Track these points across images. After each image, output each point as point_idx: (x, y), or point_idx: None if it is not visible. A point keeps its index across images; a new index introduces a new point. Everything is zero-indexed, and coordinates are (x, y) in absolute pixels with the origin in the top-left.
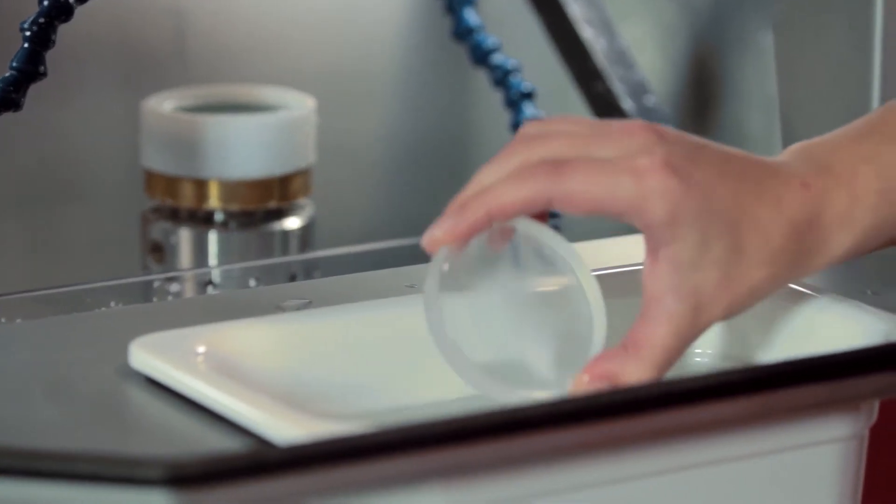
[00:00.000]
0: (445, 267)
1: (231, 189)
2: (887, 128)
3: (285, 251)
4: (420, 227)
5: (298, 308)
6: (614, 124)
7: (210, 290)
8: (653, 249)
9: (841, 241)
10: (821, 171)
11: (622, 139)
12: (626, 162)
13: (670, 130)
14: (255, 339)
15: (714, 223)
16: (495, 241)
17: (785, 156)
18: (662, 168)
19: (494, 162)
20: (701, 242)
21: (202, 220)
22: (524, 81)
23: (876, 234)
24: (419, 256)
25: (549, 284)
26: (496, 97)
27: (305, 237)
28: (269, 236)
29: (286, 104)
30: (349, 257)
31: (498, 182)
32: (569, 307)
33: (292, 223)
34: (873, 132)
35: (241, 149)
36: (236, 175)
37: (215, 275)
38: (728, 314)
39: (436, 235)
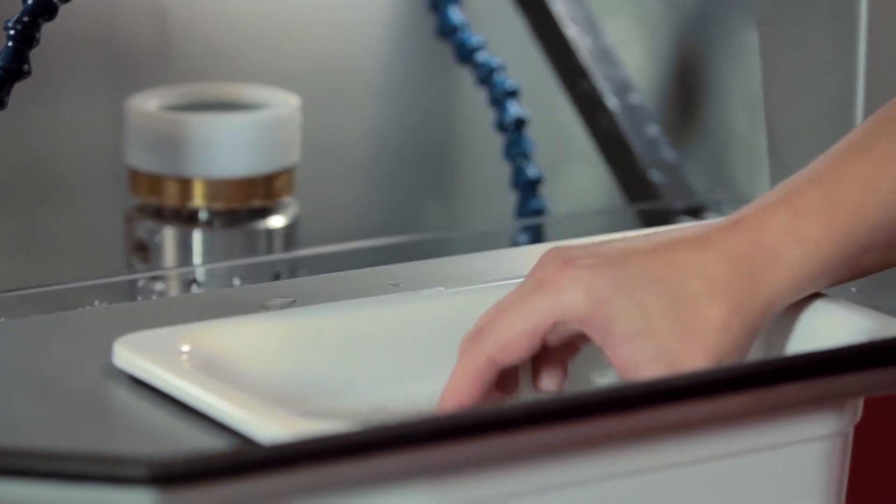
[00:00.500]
0: None
1: (215, 188)
2: (830, 152)
3: (270, 250)
4: (404, 226)
5: (283, 307)
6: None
7: (194, 288)
8: (605, 340)
9: (794, 254)
10: (755, 204)
11: (531, 275)
12: (536, 285)
13: (573, 244)
14: (239, 337)
15: (639, 286)
16: None
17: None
18: (563, 267)
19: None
20: (638, 309)
21: (186, 218)
22: (508, 79)
23: (834, 251)
24: (403, 255)
25: None
26: (480, 95)
27: (290, 236)
28: (254, 235)
29: (270, 103)
30: (333, 256)
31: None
32: None
33: (277, 222)
34: (817, 161)
35: (226, 147)
36: (221, 173)
37: (199, 273)
38: (712, 359)
39: None
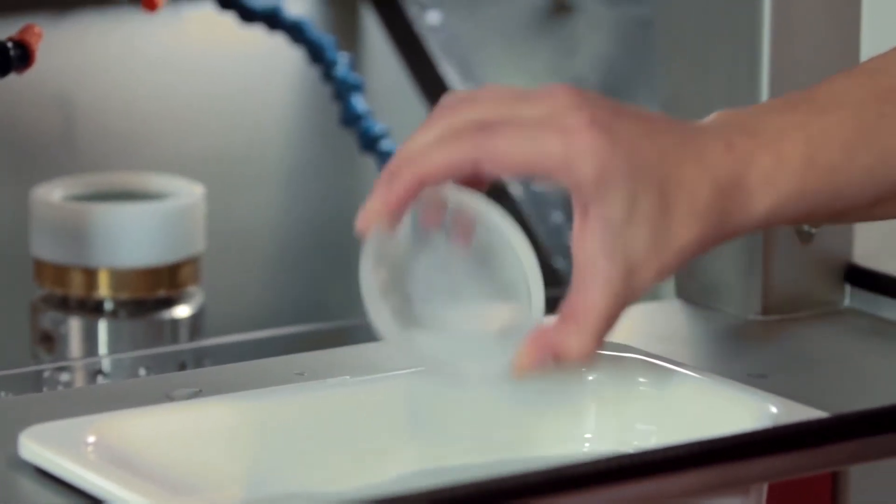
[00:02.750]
0: (377, 246)
1: (120, 278)
2: (816, 101)
3: (175, 340)
4: (310, 314)
5: (188, 397)
6: (536, 89)
7: (100, 379)
8: (582, 211)
9: (763, 202)
10: (746, 134)
11: (546, 100)
12: (554, 121)
13: (591, 92)
14: (145, 428)
15: (641, 180)
16: (428, 217)
17: (709, 120)
18: (589, 126)
19: (420, 130)
20: (630, 200)
21: (92, 309)
22: None
23: (798, 200)
24: (309, 343)
25: (483, 253)
26: None
27: (195, 325)
28: (159, 325)
29: (175, 192)
30: (239, 345)
31: (425, 147)
32: (505, 274)
33: (182, 311)
34: (801, 103)
35: (131, 237)
36: (126, 264)
37: (105, 364)
38: (659, 276)
39: (370, 209)
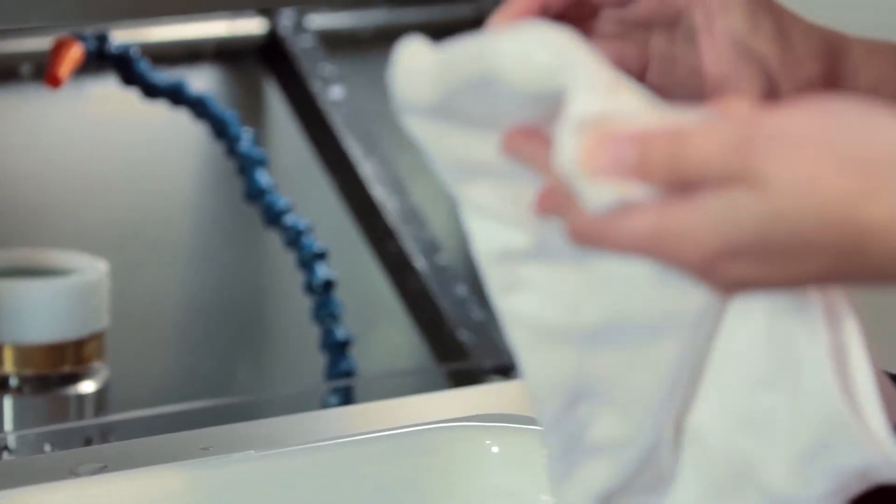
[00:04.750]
0: None
1: (25, 353)
2: None
3: (80, 415)
4: (215, 389)
5: (93, 473)
6: None
7: (5, 455)
8: (707, 26)
9: (866, 73)
10: None
11: None
12: None
13: None
14: None
15: (760, 3)
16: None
17: None
18: None
19: None
20: (751, 14)
21: None
22: (316, 242)
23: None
24: (214, 418)
25: None
26: (289, 258)
27: (100, 401)
28: (64, 400)
29: (79, 268)
30: (144, 420)
31: None
32: None
33: (87, 387)
34: None
35: (35, 313)
36: (30, 339)
37: (10, 440)
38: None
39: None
